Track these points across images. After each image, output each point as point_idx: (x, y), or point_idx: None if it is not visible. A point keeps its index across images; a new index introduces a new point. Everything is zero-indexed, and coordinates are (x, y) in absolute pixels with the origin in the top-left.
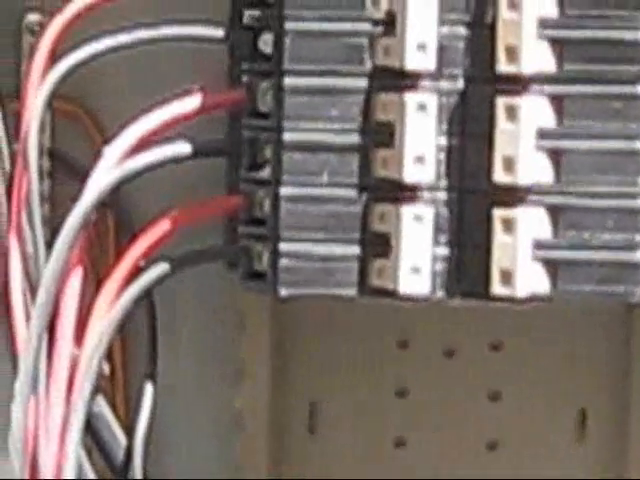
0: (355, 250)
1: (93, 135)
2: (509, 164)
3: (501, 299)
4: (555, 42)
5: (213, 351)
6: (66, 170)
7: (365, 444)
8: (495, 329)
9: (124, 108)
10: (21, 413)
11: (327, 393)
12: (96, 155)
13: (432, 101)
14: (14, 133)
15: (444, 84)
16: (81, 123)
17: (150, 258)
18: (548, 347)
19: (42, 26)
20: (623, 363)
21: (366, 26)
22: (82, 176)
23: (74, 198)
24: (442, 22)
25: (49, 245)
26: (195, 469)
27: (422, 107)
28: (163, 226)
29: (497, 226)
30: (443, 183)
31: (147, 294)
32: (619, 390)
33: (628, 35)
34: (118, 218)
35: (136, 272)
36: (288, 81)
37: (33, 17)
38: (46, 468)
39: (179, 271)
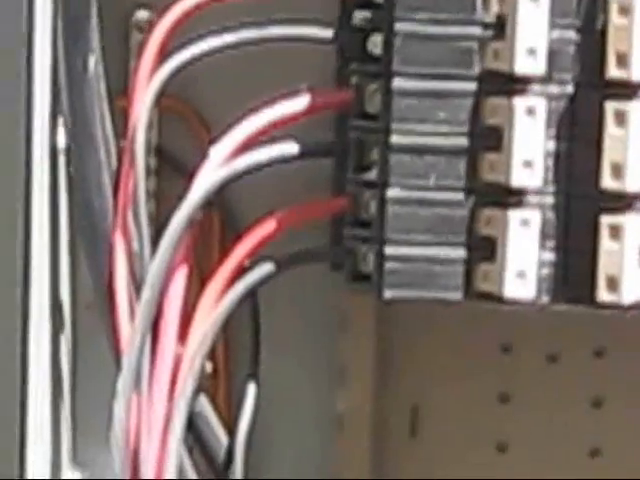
0: (461, 253)
1: (200, 133)
2: (617, 170)
3: (607, 306)
4: None
5: (316, 353)
6: (172, 168)
7: (467, 448)
8: (599, 335)
9: (231, 107)
10: (123, 411)
11: (429, 396)
12: (202, 154)
13: (541, 105)
14: (122, 130)
15: (553, 89)
16: (188, 121)
17: (255, 258)
18: None
19: (151, 24)
20: None
21: (476, 30)
22: (188, 174)
23: (180, 196)
24: (553, 26)
25: (154, 243)
26: (296, 471)
27: (531, 111)
28: (268, 226)
29: (604, 232)
30: (551, 188)
31: (251, 294)
32: None
33: None
34: (223, 218)
35: (241, 272)
36: (397, 83)
37: (142, 14)
38: (147, 466)
39: (284, 271)
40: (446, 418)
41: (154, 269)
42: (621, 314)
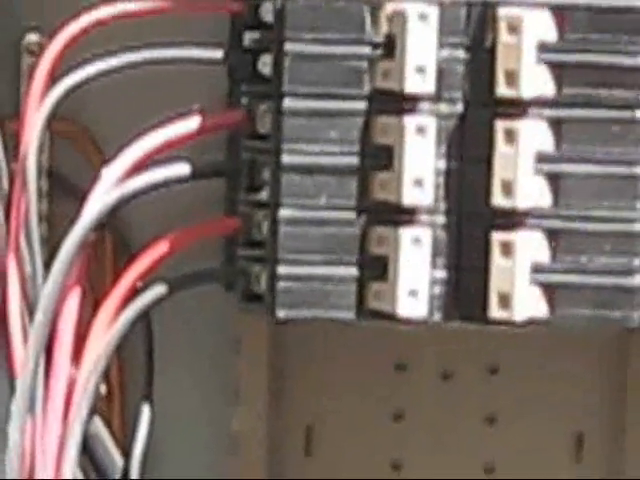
0: (353, 273)
1: (92, 156)
2: (508, 188)
3: (499, 323)
4: (554, 66)
5: (210, 373)
6: (64, 190)
7: (362, 467)
8: (492, 352)
9: (123, 129)
10: (18, 434)
11: (324, 416)
12: (95, 176)
13: (431, 124)
14: (13, 153)
15: (443, 107)
16: (80, 144)
17: (148, 279)
18: (544, 370)
19: (41, 47)
20: (618, 386)
21: (366, 49)
22: (80, 197)
23: (72, 218)
24: (441, 45)
25: (47, 265)
26: None
27: (421, 130)
28: (161, 248)
29: (495, 250)
30: (442, 206)
31: (144, 315)
32: (615, 413)
33: (627, 60)
34: (116, 240)
35: (134, 294)
36: (287, 103)
37: (32, 37)
38: None
39: (176, 293)
40: (341, 437)
41: (47, 292)
42: (513, 331)
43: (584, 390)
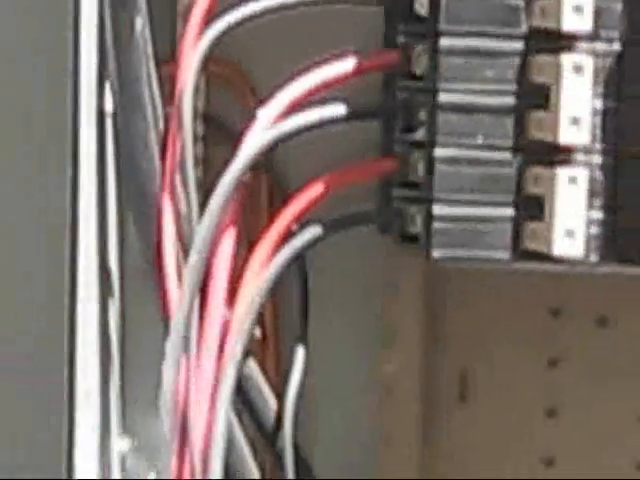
0: (509, 213)
1: (247, 98)
2: None
3: None
4: None
5: (365, 316)
6: (220, 134)
7: (516, 413)
8: None
9: (279, 71)
10: (172, 374)
11: (479, 360)
12: (250, 117)
13: (588, 63)
14: (169, 96)
15: (600, 46)
16: (236, 87)
17: (303, 221)
18: None
19: None
20: None
21: None
22: (236, 140)
23: (227, 162)
24: None
25: (202, 208)
26: (344, 434)
27: (578, 69)
28: (316, 189)
29: None
30: (599, 146)
31: (299, 257)
32: None
33: None
34: (272, 181)
35: (289, 235)
36: (444, 42)
37: None
38: (196, 428)
39: (332, 234)
40: (496, 383)
41: (202, 232)
42: None
43: None
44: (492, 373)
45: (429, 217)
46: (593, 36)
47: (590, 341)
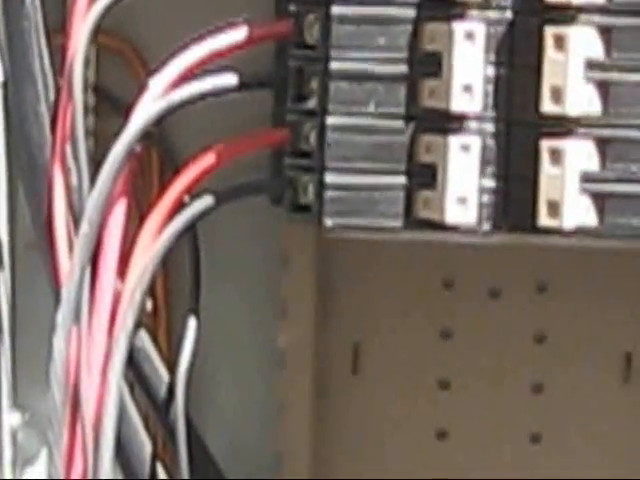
0: (401, 181)
1: (137, 70)
2: (557, 94)
3: (548, 231)
4: None
5: (257, 287)
6: (110, 106)
7: (409, 385)
8: (541, 270)
9: (169, 42)
10: (63, 344)
11: (371, 333)
12: (140, 88)
13: (480, 30)
14: (60, 67)
15: (492, 14)
16: (126, 58)
17: (194, 192)
18: (593, 287)
19: None
20: None
21: None
22: (126, 112)
23: (118, 134)
24: None
25: (93, 180)
26: (237, 405)
27: (470, 36)
28: (207, 160)
29: (545, 158)
30: (490, 114)
31: (190, 228)
32: None
33: None
34: (162, 152)
35: (180, 206)
36: (336, 9)
37: None
38: (87, 400)
39: (223, 205)
40: (388, 355)
41: (93, 202)
42: (563, 243)
43: (633, 309)
44: (385, 345)
45: (321, 185)
46: (485, 4)
47: (482, 312)
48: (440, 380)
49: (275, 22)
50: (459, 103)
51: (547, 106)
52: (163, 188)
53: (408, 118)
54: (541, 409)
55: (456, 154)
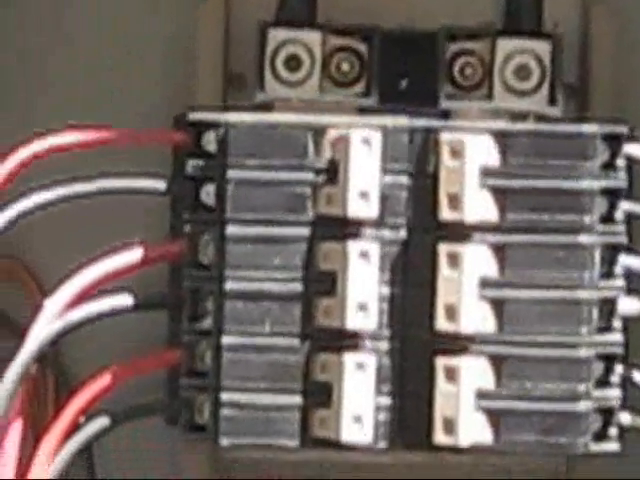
0: (297, 400)
1: (32, 291)
2: (451, 312)
3: (444, 448)
4: (497, 191)
5: None
6: (4, 328)
7: None
8: None
9: (64, 263)
10: None
11: None
12: (36, 308)
13: (375, 249)
14: None
15: (387, 233)
16: (18, 280)
17: (90, 412)
18: None
19: None
20: None
21: (308, 175)
22: (22, 330)
23: (13, 354)
24: (385, 171)
25: None
26: None
27: (365, 255)
28: (103, 381)
29: (440, 375)
30: (386, 332)
31: (86, 448)
32: None
33: (569, 184)
34: (58, 373)
35: (75, 427)
36: (230, 230)
37: None
38: None
39: (119, 425)
40: None
41: None
42: (459, 462)
43: None
44: None
45: (217, 404)
46: (379, 223)
47: None
48: None
49: (170, 242)
50: (354, 322)
51: (442, 324)
52: (58, 409)
53: (304, 337)
54: None
55: (351, 372)
